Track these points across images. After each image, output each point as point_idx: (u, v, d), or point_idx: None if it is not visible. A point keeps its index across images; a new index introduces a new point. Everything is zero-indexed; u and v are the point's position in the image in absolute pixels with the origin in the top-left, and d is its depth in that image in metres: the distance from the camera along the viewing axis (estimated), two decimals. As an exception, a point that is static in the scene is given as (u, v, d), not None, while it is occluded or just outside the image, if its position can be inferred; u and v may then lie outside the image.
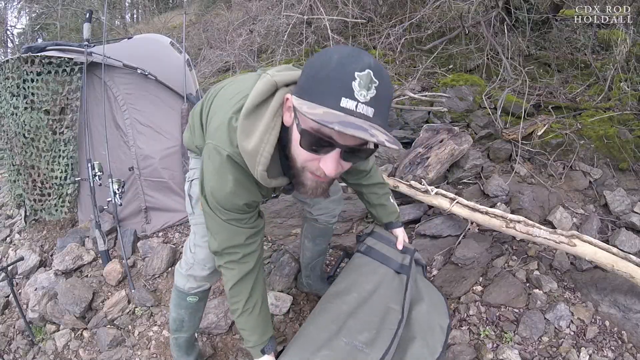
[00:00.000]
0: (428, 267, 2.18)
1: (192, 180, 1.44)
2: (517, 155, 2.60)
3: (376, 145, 0.92)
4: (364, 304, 1.37)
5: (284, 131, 1.00)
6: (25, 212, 2.92)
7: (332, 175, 0.95)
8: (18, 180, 2.74)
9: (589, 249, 1.82)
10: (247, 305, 1.22)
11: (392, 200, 1.63)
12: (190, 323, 1.62)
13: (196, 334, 1.94)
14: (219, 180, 1.08)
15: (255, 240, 1.20)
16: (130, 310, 2.16)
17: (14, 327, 2.28)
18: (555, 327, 1.84)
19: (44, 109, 2.50)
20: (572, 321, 1.87)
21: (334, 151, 0.90)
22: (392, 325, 1.30)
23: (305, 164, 0.96)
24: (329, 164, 0.92)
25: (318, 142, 0.89)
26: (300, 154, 0.94)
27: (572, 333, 1.83)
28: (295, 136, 0.93)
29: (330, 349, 1.21)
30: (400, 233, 1.63)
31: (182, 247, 2.26)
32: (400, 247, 1.58)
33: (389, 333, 1.27)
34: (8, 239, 3.07)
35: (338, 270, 2.00)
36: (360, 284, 1.44)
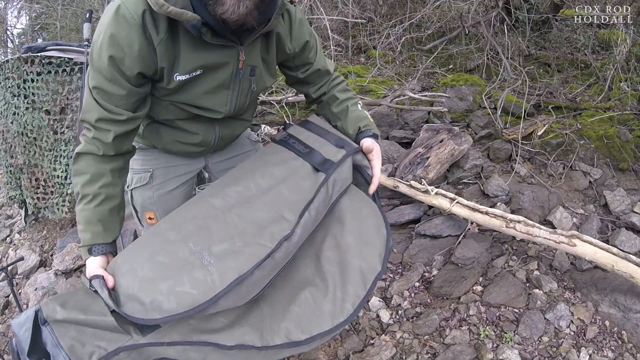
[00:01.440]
0: (428, 267, 2.18)
1: (132, 189, 1.35)
2: (517, 155, 2.60)
3: None
4: (245, 204, 1.02)
5: None
6: (25, 212, 2.92)
7: None
8: (13, 181, 2.75)
9: (589, 249, 1.83)
10: (85, 190, 1.04)
11: (360, 107, 1.30)
12: None
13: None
14: (97, 38, 0.96)
15: (108, 129, 1.03)
16: (130, 310, 2.16)
17: (14, 327, 2.28)
18: (555, 327, 1.84)
19: (44, 109, 2.50)
20: (572, 321, 1.87)
21: None
22: (268, 241, 0.93)
23: None
24: None
25: None
26: None
27: (572, 333, 1.83)
28: None
29: (168, 255, 0.92)
30: (371, 144, 1.20)
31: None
32: (372, 160, 1.20)
33: (257, 253, 0.91)
34: (8, 239, 3.07)
35: None
36: (253, 177, 1.08)
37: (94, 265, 1.02)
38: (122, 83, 0.99)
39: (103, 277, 0.95)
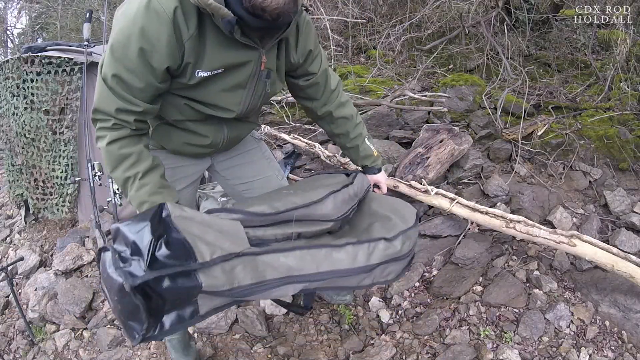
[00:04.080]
0: (428, 267, 2.18)
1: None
2: (517, 155, 2.59)
3: None
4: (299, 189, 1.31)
5: None
6: (26, 212, 2.93)
7: None
8: (19, 180, 2.75)
9: (589, 249, 1.82)
10: (133, 170, 1.07)
11: (367, 143, 1.52)
12: None
13: (195, 335, 1.95)
14: (125, 28, 0.96)
15: (128, 120, 1.05)
16: (130, 310, 2.16)
17: (14, 327, 2.28)
18: (555, 327, 1.84)
19: (43, 109, 2.50)
20: (572, 321, 1.87)
21: None
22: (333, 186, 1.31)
23: None
24: None
25: None
26: None
27: (572, 333, 1.83)
28: None
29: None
30: (381, 179, 1.57)
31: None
32: (382, 188, 1.58)
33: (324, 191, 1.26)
34: (8, 239, 3.07)
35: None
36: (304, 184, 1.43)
37: None
38: (147, 76, 1.00)
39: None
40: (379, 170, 1.57)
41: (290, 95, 3.26)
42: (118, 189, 2.33)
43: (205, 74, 1.06)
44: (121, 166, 1.08)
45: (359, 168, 1.62)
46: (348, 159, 2.34)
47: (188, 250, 0.88)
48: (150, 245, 0.84)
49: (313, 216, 1.19)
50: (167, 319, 0.90)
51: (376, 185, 1.61)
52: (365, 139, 1.52)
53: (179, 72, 1.05)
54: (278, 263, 1.01)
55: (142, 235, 0.86)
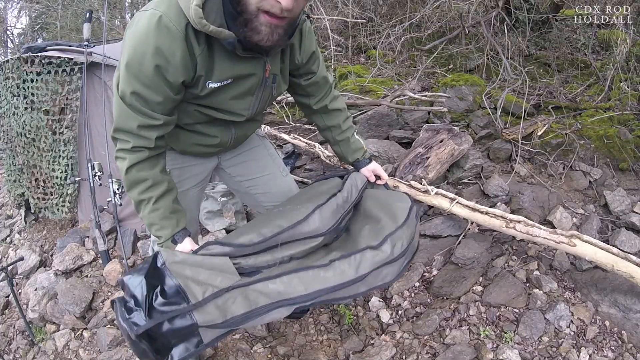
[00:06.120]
0: (428, 267, 2.18)
1: None
2: (517, 155, 2.60)
3: None
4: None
5: None
6: (26, 212, 2.93)
7: (288, 7, 0.93)
8: (20, 180, 2.75)
9: (589, 249, 1.82)
10: (147, 194, 1.14)
11: (357, 136, 1.58)
12: None
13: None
14: (138, 46, 0.98)
15: (149, 137, 1.10)
16: (130, 310, 2.16)
17: (14, 327, 2.28)
18: (555, 327, 1.84)
19: (43, 109, 2.50)
20: (572, 321, 1.87)
21: None
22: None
23: (261, 3, 0.93)
24: None
25: None
26: None
27: (572, 333, 1.83)
28: None
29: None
30: (376, 167, 1.59)
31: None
32: (380, 172, 1.58)
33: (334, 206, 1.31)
34: (8, 239, 3.07)
35: None
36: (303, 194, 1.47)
37: (187, 247, 1.17)
38: (164, 90, 1.05)
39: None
40: (370, 160, 1.59)
41: (289, 95, 3.27)
42: (118, 189, 2.35)
43: (215, 85, 1.11)
44: (137, 188, 1.15)
45: (349, 167, 1.64)
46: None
47: (181, 294, 1.00)
48: (146, 299, 0.98)
49: (301, 235, 1.21)
50: (176, 352, 1.01)
51: (377, 177, 1.61)
52: (355, 132, 1.58)
53: (192, 83, 1.10)
54: (268, 290, 1.07)
55: (141, 289, 1.00)
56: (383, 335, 1.90)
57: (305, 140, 2.78)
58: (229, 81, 1.13)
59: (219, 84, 1.11)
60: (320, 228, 1.24)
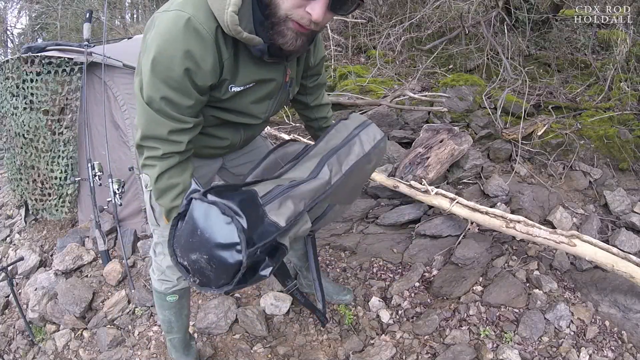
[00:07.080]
0: (428, 267, 2.18)
1: (151, 189, 1.39)
2: (517, 155, 2.60)
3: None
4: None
5: None
6: (26, 212, 2.92)
7: (318, 20, 0.94)
8: (19, 180, 2.75)
9: (589, 249, 1.82)
10: (178, 201, 1.12)
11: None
12: (179, 323, 1.63)
13: (195, 335, 1.95)
14: (166, 49, 0.95)
15: (181, 141, 1.08)
16: (130, 310, 2.16)
17: (14, 327, 2.28)
18: (555, 327, 1.84)
19: (43, 109, 2.50)
20: (572, 321, 1.87)
21: None
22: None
23: (291, 12, 0.94)
24: (317, 8, 0.93)
25: None
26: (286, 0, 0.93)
27: (572, 333, 1.83)
28: None
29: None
30: None
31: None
32: None
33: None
34: (8, 239, 3.07)
35: None
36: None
37: None
38: (192, 94, 1.03)
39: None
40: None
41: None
42: (118, 189, 2.35)
43: (238, 89, 1.11)
44: (168, 195, 1.12)
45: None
46: None
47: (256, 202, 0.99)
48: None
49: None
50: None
51: None
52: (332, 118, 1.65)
53: (216, 87, 1.09)
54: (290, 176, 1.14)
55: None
56: (383, 335, 1.90)
57: (305, 140, 2.78)
58: (251, 84, 1.13)
59: (242, 87, 1.11)
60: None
